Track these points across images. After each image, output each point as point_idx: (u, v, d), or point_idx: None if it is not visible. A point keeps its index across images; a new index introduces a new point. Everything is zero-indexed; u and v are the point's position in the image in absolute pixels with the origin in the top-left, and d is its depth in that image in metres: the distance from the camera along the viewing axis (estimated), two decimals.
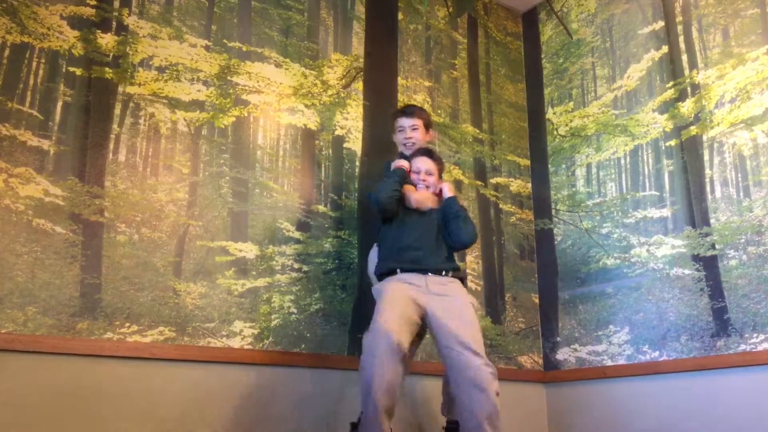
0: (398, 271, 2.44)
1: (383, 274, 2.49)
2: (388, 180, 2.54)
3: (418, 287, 2.39)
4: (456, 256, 2.62)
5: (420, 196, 2.58)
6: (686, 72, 3.24)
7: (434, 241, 2.51)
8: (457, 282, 2.49)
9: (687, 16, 3.31)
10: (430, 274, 2.43)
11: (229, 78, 2.89)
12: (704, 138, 3.12)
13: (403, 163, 2.60)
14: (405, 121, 2.71)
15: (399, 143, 2.76)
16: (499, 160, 3.79)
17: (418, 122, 2.71)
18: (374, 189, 2.57)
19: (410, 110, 2.75)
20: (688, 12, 3.30)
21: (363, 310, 2.89)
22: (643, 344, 3.11)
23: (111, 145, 2.55)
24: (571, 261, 3.56)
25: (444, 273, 2.46)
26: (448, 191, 2.63)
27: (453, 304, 2.37)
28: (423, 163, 2.62)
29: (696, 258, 3.01)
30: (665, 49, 3.37)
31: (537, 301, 3.66)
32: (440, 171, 2.68)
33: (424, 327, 2.43)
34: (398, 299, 2.34)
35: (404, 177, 2.57)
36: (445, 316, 2.32)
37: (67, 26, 2.54)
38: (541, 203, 3.81)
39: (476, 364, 2.21)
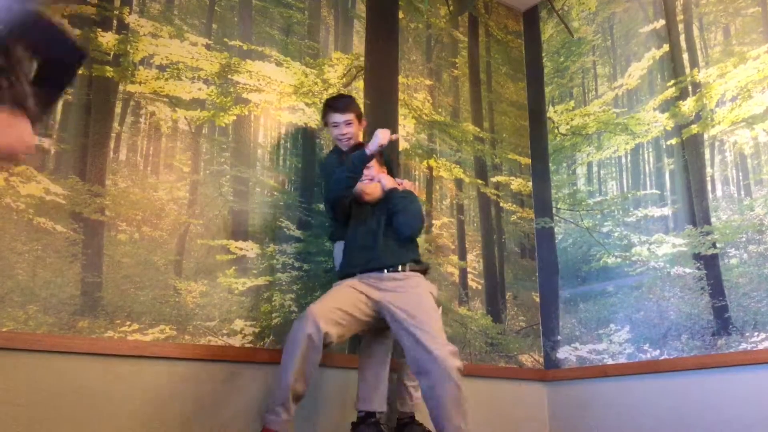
0: (356, 274, 2.50)
1: (343, 277, 2.54)
2: (343, 173, 2.50)
3: (372, 284, 2.44)
4: (415, 243, 2.62)
5: (369, 189, 2.58)
6: (687, 70, 3.24)
7: (384, 236, 2.53)
8: (416, 276, 2.50)
9: (688, 15, 3.30)
10: (385, 271, 2.46)
11: (229, 76, 2.89)
12: (705, 136, 3.11)
13: (385, 137, 2.47)
14: (338, 117, 2.70)
15: (334, 139, 2.76)
16: (500, 158, 3.79)
17: (350, 116, 2.70)
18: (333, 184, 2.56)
19: (342, 105, 2.72)
20: (689, 10, 3.30)
21: None
22: (644, 343, 3.11)
23: (112, 144, 2.55)
24: (572, 260, 3.56)
25: (401, 268, 2.47)
26: (387, 183, 2.62)
27: (409, 295, 2.39)
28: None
29: (697, 257, 3.01)
30: (666, 47, 3.37)
31: (538, 299, 3.66)
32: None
33: (382, 321, 2.45)
34: (343, 294, 2.40)
35: (363, 166, 2.51)
36: (400, 307, 2.35)
37: (68, 25, 2.54)
38: (541, 202, 3.81)
39: (435, 349, 2.22)
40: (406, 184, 2.69)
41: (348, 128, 2.70)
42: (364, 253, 2.51)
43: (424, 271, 2.56)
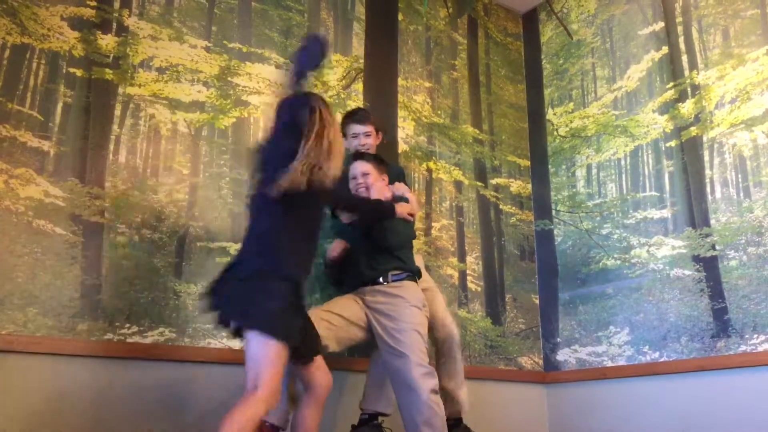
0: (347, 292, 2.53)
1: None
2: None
3: (360, 299, 2.45)
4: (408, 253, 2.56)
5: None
6: (686, 73, 3.24)
7: (365, 249, 2.48)
8: (402, 286, 2.44)
9: (687, 17, 3.31)
10: (369, 285, 2.46)
11: (229, 79, 2.89)
12: (704, 139, 3.12)
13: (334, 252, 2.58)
14: (358, 128, 2.72)
15: (352, 149, 2.74)
16: (500, 160, 3.79)
17: (370, 128, 2.73)
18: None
19: (362, 116, 2.75)
20: (688, 13, 3.30)
21: None
22: (644, 345, 3.11)
23: (111, 146, 2.55)
24: (572, 262, 3.56)
25: (381, 279, 2.45)
26: (374, 193, 2.49)
27: (391, 311, 2.38)
28: (354, 168, 2.52)
29: (696, 259, 3.01)
30: (665, 49, 3.38)
31: (537, 302, 3.66)
32: (378, 168, 2.55)
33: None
34: (343, 301, 2.44)
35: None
36: (383, 325, 2.36)
37: (67, 27, 2.54)
38: (541, 204, 3.81)
39: (408, 367, 2.24)
40: (396, 188, 2.59)
41: (367, 139, 2.72)
42: (351, 269, 2.51)
43: (411, 277, 2.50)
